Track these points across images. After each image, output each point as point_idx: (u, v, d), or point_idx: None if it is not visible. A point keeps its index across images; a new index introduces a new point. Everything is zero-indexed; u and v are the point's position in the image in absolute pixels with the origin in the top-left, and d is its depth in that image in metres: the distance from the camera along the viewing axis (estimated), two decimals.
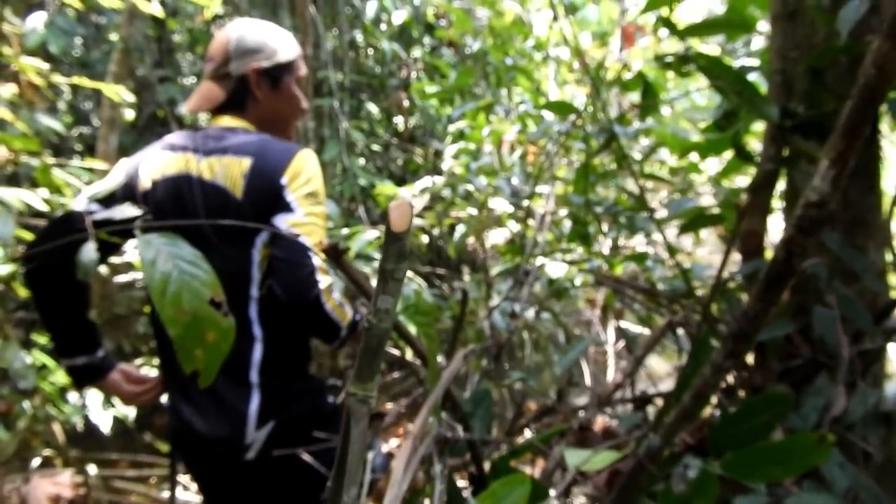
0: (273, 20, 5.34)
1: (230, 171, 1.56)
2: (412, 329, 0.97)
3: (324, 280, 1.53)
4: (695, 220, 1.54)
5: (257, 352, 1.59)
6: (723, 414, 1.14)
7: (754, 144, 2.11)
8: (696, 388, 0.89)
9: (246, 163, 1.56)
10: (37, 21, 3.64)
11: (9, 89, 2.54)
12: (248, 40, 1.66)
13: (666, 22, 1.77)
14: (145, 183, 1.65)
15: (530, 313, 2.37)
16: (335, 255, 0.97)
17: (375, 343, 0.56)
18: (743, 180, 2.71)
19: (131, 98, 2.70)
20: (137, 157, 1.71)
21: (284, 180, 1.54)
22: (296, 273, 1.52)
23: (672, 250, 1.72)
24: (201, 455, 1.66)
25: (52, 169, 2.51)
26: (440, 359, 1.32)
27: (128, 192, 1.65)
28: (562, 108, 2.10)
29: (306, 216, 1.54)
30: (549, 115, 2.75)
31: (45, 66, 2.53)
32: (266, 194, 1.54)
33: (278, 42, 1.70)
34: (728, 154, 1.98)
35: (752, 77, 1.90)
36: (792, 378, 1.56)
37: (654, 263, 2.34)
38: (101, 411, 2.58)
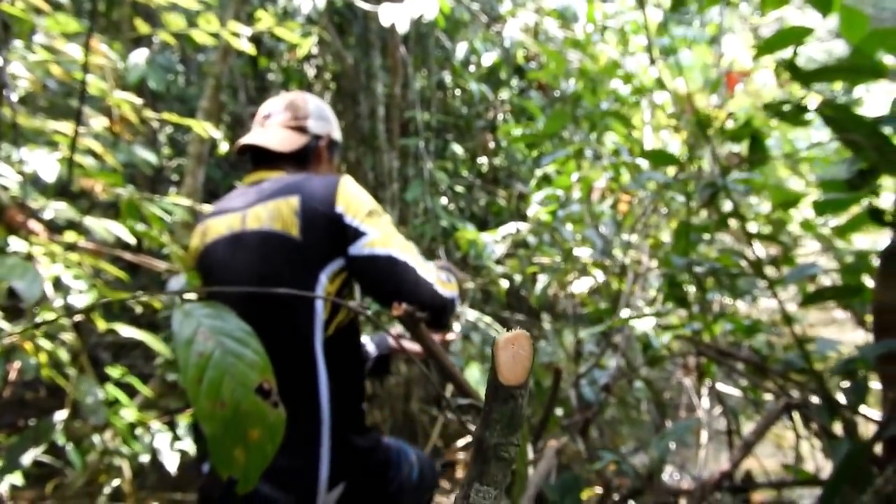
0: (364, 60, 5.39)
1: (280, 213, 1.56)
2: None
3: (430, 274, 1.58)
4: (821, 292, 1.34)
5: (325, 406, 1.52)
6: None
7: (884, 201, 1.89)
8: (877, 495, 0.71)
9: (294, 201, 1.56)
10: (138, 57, 3.76)
11: (100, 122, 2.58)
12: (325, 109, 1.83)
13: (789, 65, 1.59)
14: (202, 247, 1.70)
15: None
16: (412, 323, 0.86)
17: None
18: (863, 239, 2.46)
19: (218, 134, 2.69)
20: (204, 219, 1.76)
21: (340, 209, 1.55)
22: (403, 288, 1.53)
23: (788, 319, 1.52)
24: None
25: (139, 202, 2.53)
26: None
27: (195, 258, 1.73)
28: (660, 158, 1.93)
29: (381, 232, 1.55)
30: (643, 164, 2.58)
31: (139, 100, 2.56)
32: (326, 227, 1.54)
33: (336, 123, 1.86)
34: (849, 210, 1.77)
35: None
36: None
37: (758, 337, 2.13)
38: (169, 451, 2.53)
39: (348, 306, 0.88)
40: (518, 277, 3.18)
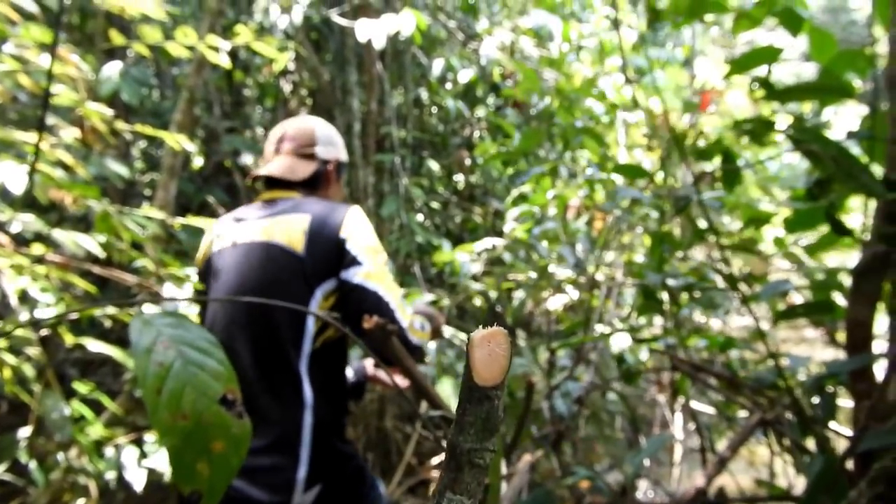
0: (340, 76, 5.39)
1: (289, 228, 1.68)
2: None
3: (405, 319, 1.63)
4: (793, 309, 1.35)
5: (308, 416, 1.61)
6: None
7: (853, 220, 1.92)
8: None
9: (306, 219, 1.69)
10: (112, 70, 3.72)
11: (72, 133, 2.54)
12: (332, 134, 1.95)
13: (763, 82, 1.62)
14: (210, 254, 1.81)
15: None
16: (383, 336, 0.85)
17: None
18: (833, 258, 2.49)
19: (192, 147, 2.66)
20: (216, 226, 1.88)
21: (343, 234, 1.66)
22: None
23: (762, 335, 1.53)
24: None
25: (112, 216, 2.48)
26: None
27: (202, 262, 1.84)
28: (632, 172, 1.95)
29: (375, 267, 1.65)
30: (618, 180, 2.60)
31: (110, 111, 2.52)
32: (328, 249, 1.65)
33: (342, 144, 1.99)
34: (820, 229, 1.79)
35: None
36: None
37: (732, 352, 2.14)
38: (136, 468, 2.47)
39: (331, 322, 0.87)
40: (493, 294, 3.17)
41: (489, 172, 5.88)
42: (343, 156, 1.98)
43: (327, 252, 1.66)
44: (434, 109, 6.15)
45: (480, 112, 5.98)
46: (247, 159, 5.22)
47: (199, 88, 3.11)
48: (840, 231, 1.36)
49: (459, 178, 6.06)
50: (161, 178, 3.00)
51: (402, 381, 1.78)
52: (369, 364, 2.04)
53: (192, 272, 2.63)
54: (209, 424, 0.53)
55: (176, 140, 2.61)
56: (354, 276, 1.63)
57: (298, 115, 1.99)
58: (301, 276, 1.64)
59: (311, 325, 1.65)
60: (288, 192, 1.84)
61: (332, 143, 1.94)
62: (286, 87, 5.92)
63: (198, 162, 5.52)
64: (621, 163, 2.50)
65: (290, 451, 1.57)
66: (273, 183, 1.88)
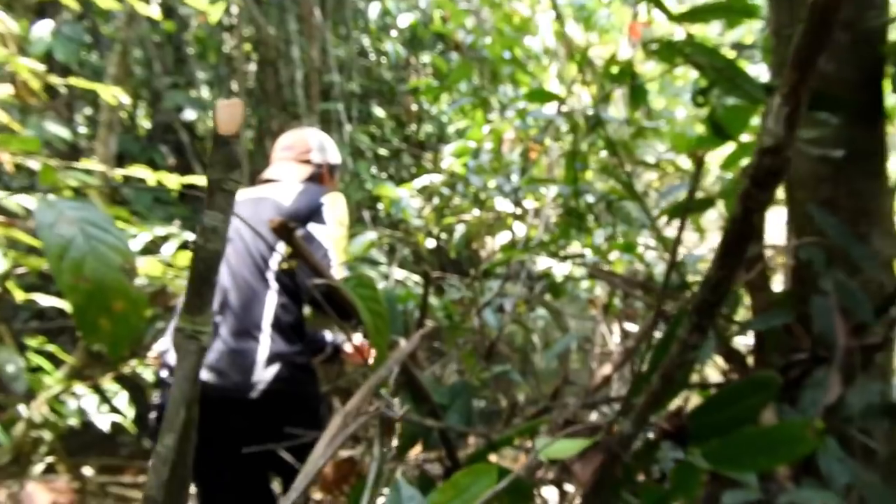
0: (280, 26, 5.35)
1: (284, 192, 2.12)
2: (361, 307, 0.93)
3: (340, 274, 1.97)
4: (679, 207, 1.47)
5: (269, 314, 2.00)
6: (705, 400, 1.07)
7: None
8: (663, 367, 0.82)
9: (298, 188, 2.15)
10: (43, 29, 3.66)
11: (4, 90, 2.53)
12: (324, 141, 2.38)
13: (657, 4, 1.71)
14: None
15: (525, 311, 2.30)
16: (287, 233, 0.94)
17: (204, 268, 0.50)
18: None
19: (127, 100, 2.68)
20: None
21: (325, 202, 2.10)
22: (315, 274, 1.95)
23: (664, 241, 1.65)
24: (211, 402, 1.85)
25: (55, 170, 2.50)
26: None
27: None
28: (542, 96, 2.05)
29: (335, 233, 2.06)
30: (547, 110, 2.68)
31: (42, 66, 2.52)
32: (308, 208, 2.07)
33: (334, 148, 2.41)
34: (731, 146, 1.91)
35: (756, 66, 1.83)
36: (794, 373, 1.48)
37: (655, 259, 2.27)
38: (97, 412, 2.56)
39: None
40: (435, 230, 3.27)
41: (439, 120, 5.93)
42: (334, 159, 2.39)
43: (306, 210, 2.06)
44: (382, 60, 6.15)
45: (426, 58, 5.99)
46: (190, 115, 5.18)
47: (132, 41, 3.09)
48: (720, 134, 1.47)
49: (413, 128, 6.10)
50: (99, 133, 3.01)
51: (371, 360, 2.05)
52: (347, 345, 2.39)
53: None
54: (109, 287, 0.62)
55: (111, 94, 2.63)
56: (315, 228, 2.05)
57: (297, 128, 2.53)
58: (283, 216, 2.02)
59: (277, 255, 2.03)
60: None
61: (323, 149, 2.35)
62: (229, 42, 5.85)
63: (144, 125, 5.46)
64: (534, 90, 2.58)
65: (253, 337, 1.96)
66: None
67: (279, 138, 2.43)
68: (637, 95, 1.86)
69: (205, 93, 5.71)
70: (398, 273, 3.93)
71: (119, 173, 2.65)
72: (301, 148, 2.33)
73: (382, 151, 5.53)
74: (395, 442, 0.99)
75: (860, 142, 1.52)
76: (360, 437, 2.63)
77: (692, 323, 0.76)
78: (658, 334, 1.92)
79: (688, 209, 1.18)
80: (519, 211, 2.81)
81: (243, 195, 2.18)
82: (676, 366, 0.80)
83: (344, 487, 1.53)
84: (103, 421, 2.63)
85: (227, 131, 0.47)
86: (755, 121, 1.70)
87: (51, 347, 2.71)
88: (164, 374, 2.01)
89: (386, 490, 0.87)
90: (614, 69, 2.14)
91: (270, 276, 2.07)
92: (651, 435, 1.02)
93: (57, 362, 2.83)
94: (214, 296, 0.63)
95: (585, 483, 1.16)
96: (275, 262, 2.08)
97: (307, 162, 2.32)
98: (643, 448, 1.02)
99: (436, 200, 3.50)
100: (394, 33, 5.72)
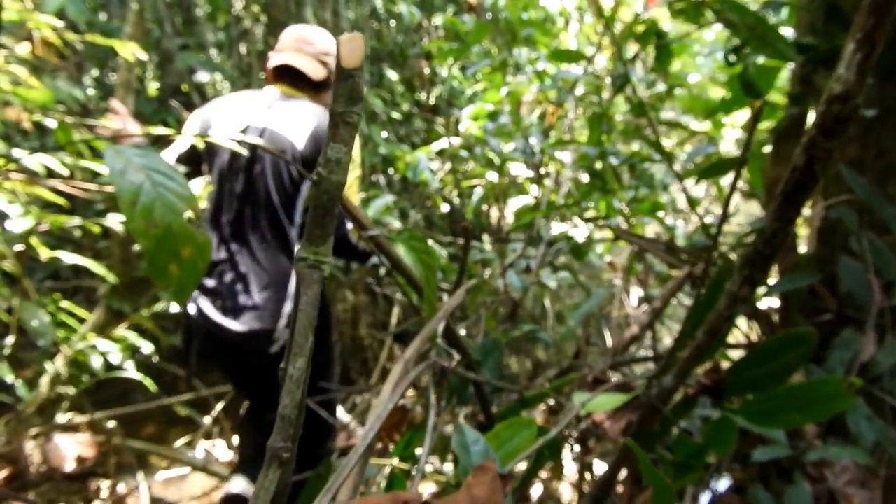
0: None
1: (297, 126, 2.05)
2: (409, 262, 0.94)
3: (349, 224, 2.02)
4: (713, 167, 1.46)
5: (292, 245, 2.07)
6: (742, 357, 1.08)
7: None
8: (710, 322, 0.83)
9: (312, 123, 2.06)
10: None
11: (23, 47, 2.52)
12: (334, 46, 2.22)
13: None
14: (217, 131, 2.10)
15: (548, 275, 2.31)
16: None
17: (326, 199, 0.51)
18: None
19: (145, 56, 2.66)
20: (209, 108, 2.21)
21: None
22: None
23: (692, 202, 1.65)
24: (232, 349, 2.05)
25: (71, 127, 2.49)
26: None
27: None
28: (569, 56, 2.03)
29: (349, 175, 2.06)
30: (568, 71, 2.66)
31: (60, 23, 2.50)
32: (320, 150, 2.01)
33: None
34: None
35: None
36: (820, 334, 1.49)
37: (675, 222, 2.27)
38: (122, 359, 2.60)
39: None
40: (453, 193, 3.26)
41: (451, 84, 5.87)
42: (335, 66, 2.31)
43: (319, 153, 2.01)
44: (392, 23, 6.07)
45: (438, 20, 5.92)
46: (202, 77, 5.15)
47: (147, 1, 3.06)
48: (751, 93, 1.46)
49: (424, 92, 6.05)
50: (117, 93, 2.99)
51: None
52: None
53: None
54: (177, 233, 0.63)
55: (129, 51, 2.61)
56: None
57: (308, 25, 2.35)
58: (296, 162, 2.01)
59: (300, 204, 2.07)
60: (298, 92, 2.19)
61: (333, 55, 2.16)
62: (238, 3, 5.78)
63: (153, 85, 5.42)
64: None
65: (280, 292, 2.01)
66: (286, 75, 2.18)
67: (290, 28, 2.28)
68: (662, 56, 1.84)
69: (214, 55, 5.66)
70: None
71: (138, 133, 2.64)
72: (320, 47, 2.21)
73: (395, 115, 5.49)
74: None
75: (890, 100, 1.51)
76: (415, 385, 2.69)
77: (743, 276, 0.77)
78: (680, 296, 1.92)
79: (742, 163, 1.17)
80: (537, 175, 2.81)
81: (241, 112, 2.12)
82: (724, 319, 0.80)
83: (395, 435, 1.56)
84: (129, 366, 2.68)
85: (351, 65, 0.47)
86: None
87: (67, 306, 2.74)
88: (192, 310, 2.11)
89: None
90: (639, 29, 2.12)
91: (296, 220, 2.10)
92: (689, 390, 1.03)
93: (77, 321, 2.86)
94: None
95: (616, 438, 1.18)
96: (301, 204, 2.09)
97: (325, 64, 2.22)
98: (680, 403, 1.03)
99: (448, 165, 3.49)
100: None
